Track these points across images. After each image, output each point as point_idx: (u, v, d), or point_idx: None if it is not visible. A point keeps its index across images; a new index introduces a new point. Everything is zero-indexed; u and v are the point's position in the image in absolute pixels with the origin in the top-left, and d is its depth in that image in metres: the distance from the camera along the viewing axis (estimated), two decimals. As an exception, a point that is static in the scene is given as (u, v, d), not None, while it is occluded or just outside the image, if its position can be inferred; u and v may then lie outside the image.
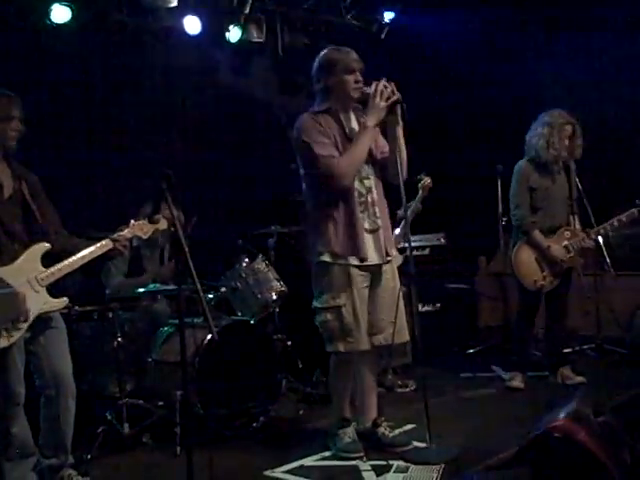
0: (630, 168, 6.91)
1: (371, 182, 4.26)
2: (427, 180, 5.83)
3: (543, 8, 7.02)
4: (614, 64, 7.04)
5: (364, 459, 4.19)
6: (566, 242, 5.53)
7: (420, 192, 5.84)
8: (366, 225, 4.20)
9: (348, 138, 4.22)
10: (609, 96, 6.98)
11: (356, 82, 4.17)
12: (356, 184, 4.18)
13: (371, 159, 4.26)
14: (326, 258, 4.15)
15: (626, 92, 6.98)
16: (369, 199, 4.23)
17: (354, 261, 4.14)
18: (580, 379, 5.47)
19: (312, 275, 4.28)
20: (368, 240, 4.19)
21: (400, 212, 5.35)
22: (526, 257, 5.56)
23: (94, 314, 4.95)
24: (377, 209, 4.25)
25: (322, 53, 4.27)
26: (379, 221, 4.25)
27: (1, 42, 5.28)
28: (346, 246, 4.13)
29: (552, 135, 5.43)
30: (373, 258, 4.21)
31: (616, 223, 5.55)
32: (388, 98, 4.10)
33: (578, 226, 5.61)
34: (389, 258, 4.29)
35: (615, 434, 3.44)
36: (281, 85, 7.13)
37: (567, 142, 5.47)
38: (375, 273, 4.26)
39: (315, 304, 4.25)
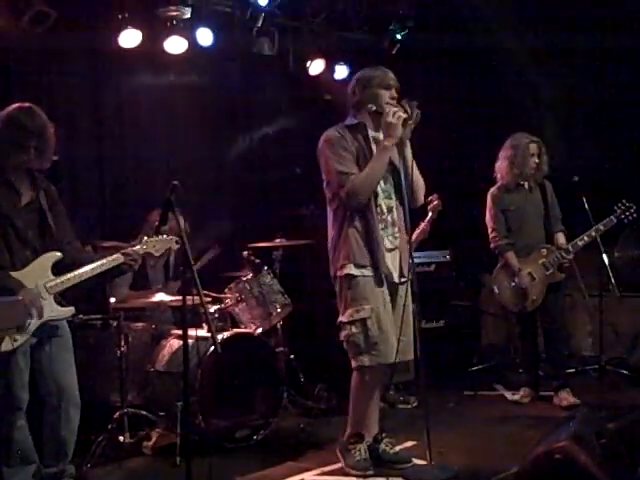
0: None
1: (393, 202, 4.29)
2: (435, 202, 5.78)
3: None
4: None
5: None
6: (543, 260, 5.55)
7: (430, 214, 5.82)
8: (386, 243, 4.23)
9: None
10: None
11: (391, 98, 4.22)
12: (380, 201, 4.22)
13: (395, 180, 4.28)
14: (350, 270, 4.16)
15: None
16: (389, 218, 4.27)
17: (377, 273, 4.16)
18: (574, 400, 5.40)
19: (337, 290, 4.27)
20: (387, 258, 4.22)
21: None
22: (505, 279, 5.67)
23: (98, 323, 4.98)
24: (396, 229, 4.29)
25: (360, 71, 4.36)
26: (397, 241, 4.28)
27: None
28: (369, 258, 4.15)
29: (516, 155, 5.62)
30: (392, 276, 4.23)
31: (593, 233, 5.53)
32: (400, 117, 4.12)
33: (562, 241, 5.62)
34: (404, 279, 4.29)
35: (617, 457, 3.43)
36: (290, 99, 7.15)
37: (536, 159, 5.61)
38: (393, 291, 4.27)
39: (340, 319, 4.24)
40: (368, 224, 4.16)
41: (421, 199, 4.41)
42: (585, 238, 5.53)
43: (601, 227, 5.53)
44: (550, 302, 5.60)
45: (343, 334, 4.22)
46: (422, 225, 5.84)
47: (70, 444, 3.92)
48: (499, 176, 5.76)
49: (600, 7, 6.56)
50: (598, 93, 7.01)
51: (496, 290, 5.75)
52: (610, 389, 5.97)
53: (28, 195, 3.84)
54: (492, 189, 5.79)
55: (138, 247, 3.97)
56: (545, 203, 5.69)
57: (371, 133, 4.29)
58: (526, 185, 5.70)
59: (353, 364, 4.23)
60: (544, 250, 5.59)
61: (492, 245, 5.72)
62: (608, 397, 5.61)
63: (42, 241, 3.82)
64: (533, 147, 5.61)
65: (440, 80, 7.60)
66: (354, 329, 4.16)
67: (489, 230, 5.74)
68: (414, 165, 4.29)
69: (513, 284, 5.60)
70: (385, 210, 4.25)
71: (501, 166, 5.73)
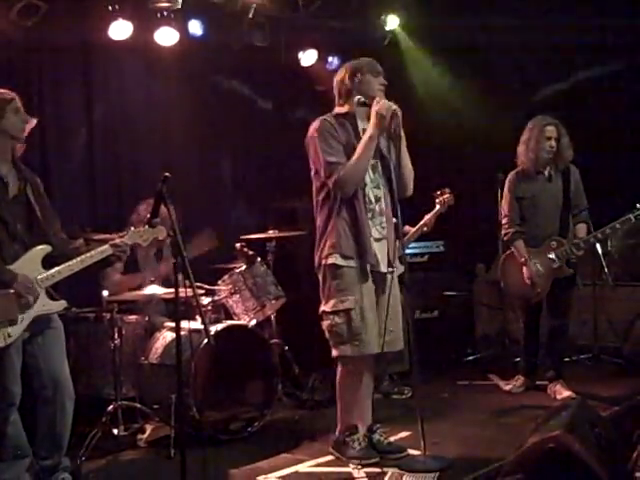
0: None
1: (381, 192, 4.30)
2: (446, 195, 5.74)
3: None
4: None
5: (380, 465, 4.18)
6: (552, 253, 5.39)
7: (438, 207, 5.77)
8: (373, 233, 4.23)
9: None
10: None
11: (381, 84, 4.26)
12: (367, 191, 4.23)
13: (384, 170, 4.28)
14: (336, 260, 4.16)
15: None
16: (377, 208, 4.27)
17: (362, 264, 4.16)
18: (568, 394, 5.33)
19: (320, 279, 4.27)
20: (375, 247, 4.22)
21: (407, 227, 5.61)
22: (512, 267, 5.57)
23: (91, 316, 4.97)
24: (384, 219, 4.29)
25: (349, 61, 4.37)
26: (385, 231, 4.28)
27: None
28: (355, 249, 4.16)
29: (531, 138, 5.42)
30: (379, 266, 4.23)
31: (608, 230, 5.30)
32: (390, 108, 4.12)
33: (582, 234, 5.44)
34: (392, 269, 4.29)
35: (610, 445, 3.44)
36: (283, 90, 7.13)
37: (552, 143, 5.38)
38: (380, 281, 4.27)
39: (323, 308, 4.25)
40: (355, 214, 4.17)
41: (410, 188, 4.38)
42: (599, 235, 5.32)
43: (617, 225, 5.26)
44: (560, 297, 5.46)
45: (326, 323, 4.23)
46: (427, 217, 5.80)
47: (65, 437, 3.92)
48: (519, 161, 5.56)
49: None
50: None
51: (501, 279, 5.68)
52: (604, 378, 5.98)
53: (15, 187, 3.81)
54: (510, 174, 5.62)
55: (126, 238, 3.96)
56: (566, 192, 5.46)
57: (360, 124, 4.28)
58: (546, 173, 5.48)
59: (334, 353, 4.24)
60: (554, 243, 5.39)
61: (503, 232, 5.60)
62: (602, 386, 5.62)
63: (30, 234, 3.80)
64: (549, 130, 5.37)
65: (433, 71, 7.59)
66: (337, 319, 4.16)
67: (502, 216, 5.63)
68: (406, 155, 4.29)
69: (521, 273, 5.43)
70: (373, 200, 4.25)
71: (520, 151, 5.52)
